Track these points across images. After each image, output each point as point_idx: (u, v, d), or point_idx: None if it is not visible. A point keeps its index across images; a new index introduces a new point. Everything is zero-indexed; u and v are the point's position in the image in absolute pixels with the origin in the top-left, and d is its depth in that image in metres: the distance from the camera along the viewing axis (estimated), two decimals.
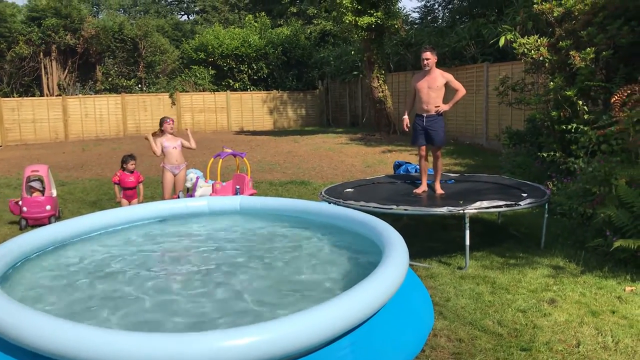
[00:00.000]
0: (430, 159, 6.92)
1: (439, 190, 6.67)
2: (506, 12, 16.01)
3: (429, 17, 25.13)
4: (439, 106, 6.58)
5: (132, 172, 7.75)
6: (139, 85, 26.08)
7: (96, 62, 25.37)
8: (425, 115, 6.68)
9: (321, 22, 28.85)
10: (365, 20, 17.48)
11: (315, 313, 2.98)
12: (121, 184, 7.70)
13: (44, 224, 7.33)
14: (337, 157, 14.30)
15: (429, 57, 6.56)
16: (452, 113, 14.65)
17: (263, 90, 26.25)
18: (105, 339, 2.66)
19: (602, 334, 3.81)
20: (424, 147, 6.82)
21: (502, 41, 13.35)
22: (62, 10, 23.98)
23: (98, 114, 23.06)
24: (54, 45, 24.15)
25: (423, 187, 6.82)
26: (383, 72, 19.21)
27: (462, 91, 6.71)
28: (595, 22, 7.97)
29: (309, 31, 28.79)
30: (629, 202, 5.40)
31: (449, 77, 6.65)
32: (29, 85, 24.47)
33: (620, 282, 4.85)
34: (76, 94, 24.06)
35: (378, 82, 19.03)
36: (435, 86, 6.55)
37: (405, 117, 6.94)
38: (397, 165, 9.46)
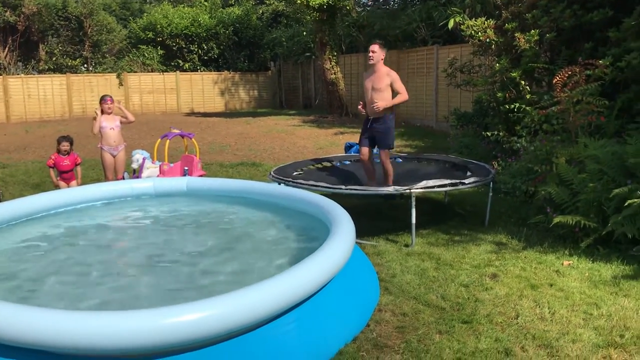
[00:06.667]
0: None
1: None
2: None
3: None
4: (378, 103, 6.11)
5: (68, 153, 7.40)
6: (85, 65, 25.26)
7: (39, 40, 24.38)
8: (371, 117, 6.30)
9: (273, 3, 28.52)
10: (317, 0, 17.39)
11: (261, 289, 2.99)
12: (57, 167, 7.26)
13: None
14: (290, 138, 14.26)
15: (375, 50, 6.16)
16: None
17: (214, 71, 25.79)
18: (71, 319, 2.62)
19: (539, 306, 3.95)
20: (364, 149, 6.41)
21: (451, 23, 13.51)
22: None
23: (42, 95, 22.18)
24: None
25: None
26: (335, 53, 19.18)
27: (404, 96, 6.19)
28: (540, 5, 8.16)
29: (260, 11, 28.41)
30: (568, 180, 5.59)
31: (395, 77, 6.19)
32: None
33: (559, 257, 5.03)
34: (18, 74, 23.14)
35: (330, 64, 19.00)
36: (379, 87, 6.15)
37: (361, 102, 6.49)
38: (348, 147, 9.51)
